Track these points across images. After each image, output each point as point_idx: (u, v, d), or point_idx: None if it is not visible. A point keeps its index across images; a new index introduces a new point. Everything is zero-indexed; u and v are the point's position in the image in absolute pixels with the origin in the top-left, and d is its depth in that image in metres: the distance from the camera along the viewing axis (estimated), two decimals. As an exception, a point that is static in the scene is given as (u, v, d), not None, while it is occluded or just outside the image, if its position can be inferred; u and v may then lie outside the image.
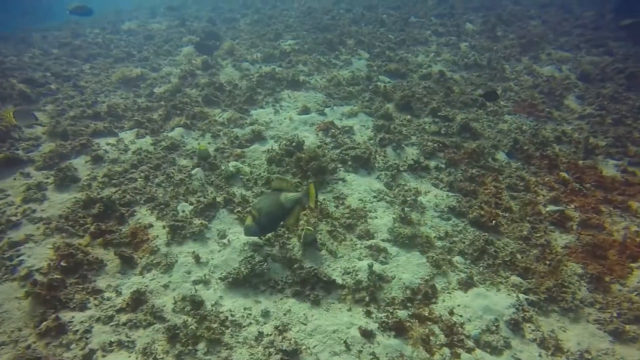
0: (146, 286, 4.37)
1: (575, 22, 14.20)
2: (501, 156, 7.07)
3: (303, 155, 6.16)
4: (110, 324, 3.96)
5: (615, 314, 4.38)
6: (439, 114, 8.02)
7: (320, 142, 7.00)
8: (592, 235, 5.48)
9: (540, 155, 7.07)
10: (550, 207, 5.94)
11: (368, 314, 4.18)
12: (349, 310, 4.23)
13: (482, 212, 5.61)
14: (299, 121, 7.60)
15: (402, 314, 4.19)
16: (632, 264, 5.08)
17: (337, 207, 5.64)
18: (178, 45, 11.56)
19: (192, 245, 4.89)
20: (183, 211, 5.35)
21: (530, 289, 4.58)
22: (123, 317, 4.02)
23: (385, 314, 4.17)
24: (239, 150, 6.68)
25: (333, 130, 7.23)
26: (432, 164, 6.71)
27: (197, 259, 4.67)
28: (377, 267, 4.64)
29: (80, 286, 4.33)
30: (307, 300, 4.30)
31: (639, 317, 4.35)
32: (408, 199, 5.81)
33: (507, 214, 5.77)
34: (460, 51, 11.11)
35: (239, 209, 5.42)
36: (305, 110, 7.91)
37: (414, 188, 6.09)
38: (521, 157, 7.07)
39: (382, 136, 7.09)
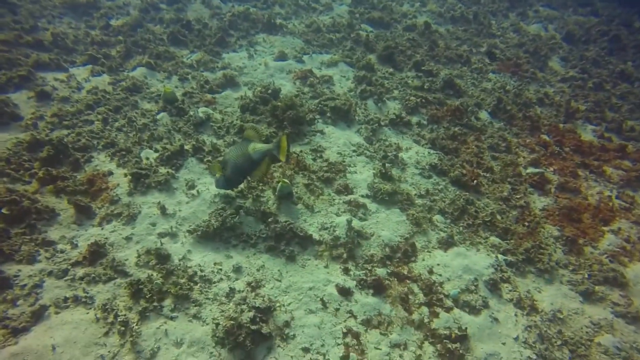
0: (106, 238, 4.02)
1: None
2: (484, 115, 6.94)
3: (279, 103, 5.76)
4: (65, 278, 3.63)
5: (586, 275, 4.48)
6: (423, 68, 7.71)
7: (297, 91, 6.58)
8: (569, 199, 5.54)
9: (522, 117, 6.99)
10: (531, 169, 5.93)
11: (346, 271, 4.05)
12: (326, 267, 4.09)
13: (464, 172, 5.52)
14: (275, 68, 7.09)
15: (380, 271, 4.09)
16: (603, 227, 5.19)
17: (314, 160, 5.36)
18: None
19: (158, 196, 4.52)
20: (147, 158, 4.92)
21: (509, 249, 4.59)
22: (79, 271, 3.69)
23: (364, 272, 4.06)
24: (209, 96, 6.16)
25: (311, 79, 6.81)
26: (414, 119, 6.49)
27: (162, 210, 4.33)
28: (355, 223, 4.48)
29: (28, 237, 3.92)
30: (281, 256, 4.11)
31: (607, 279, 4.47)
32: (389, 154, 5.61)
33: (488, 174, 5.71)
34: (447, 2, 10.64)
35: (209, 158, 5.03)
36: (282, 57, 7.38)
37: (395, 144, 5.89)
38: (504, 117, 6.97)
39: (363, 88, 6.74)
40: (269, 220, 4.36)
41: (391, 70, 7.58)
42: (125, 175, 4.67)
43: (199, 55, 7.08)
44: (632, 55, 10.21)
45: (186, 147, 5.08)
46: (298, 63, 7.32)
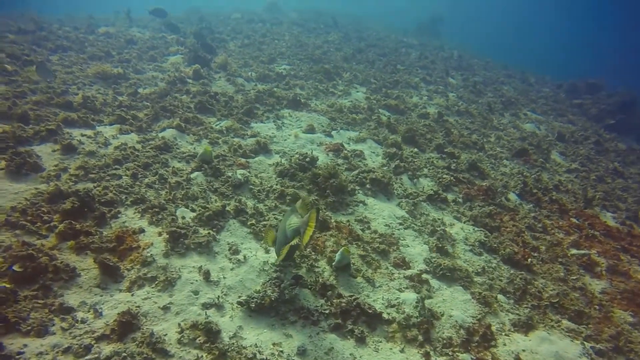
0: (138, 307, 3.18)
1: (538, 94, 15.28)
2: (513, 197, 6.76)
3: (320, 171, 5.38)
4: (87, 357, 2.72)
5: (681, 369, 3.87)
6: (445, 150, 7.69)
7: (331, 161, 6.27)
8: (624, 282, 5.12)
9: (549, 200, 6.86)
10: (575, 251, 5.57)
11: (426, 356, 3.30)
12: (402, 352, 3.34)
13: (516, 249, 5.09)
14: (305, 139, 6.86)
15: (464, 357, 3.37)
16: (672, 315, 4.71)
17: (363, 231, 4.83)
18: (164, 53, 10.57)
19: (198, 259, 3.78)
20: (183, 217, 4.25)
21: (591, 336, 3.98)
22: (106, 348, 2.80)
23: (445, 358, 3.33)
24: (243, 160, 5.73)
25: (345, 152, 6.57)
26: (450, 197, 6.20)
27: (206, 276, 3.57)
28: (420, 298, 3.84)
29: (40, 301, 3.05)
30: (350, 337, 3.35)
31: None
32: (438, 229, 5.17)
33: (536, 254, 5.30)
34: (448, 99, 11.24)
35: (253, 221, 4.42)
36: (311, 130, 7.22)
37: (439, 219, 5.49)
38: (532, 199, 6.81)
39: (397, 164, 6.53)
40: (329, 293, 3.66)
41: (416, 150, 7.51)
42: (160, 233, 3.96)
43: (228, 123, 6.81)
44: (614, 157, 10.81)
45: (227, 208, 4.47)
46: (327, 137, 7.15)
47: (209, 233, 4.05)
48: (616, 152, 11.24)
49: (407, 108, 9.69)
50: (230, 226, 4.31)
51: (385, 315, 3.61)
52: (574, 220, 6.49)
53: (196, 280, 3.53)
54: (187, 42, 11.67)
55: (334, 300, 3.59)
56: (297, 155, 5.87)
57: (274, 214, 4.68)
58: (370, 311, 3.55)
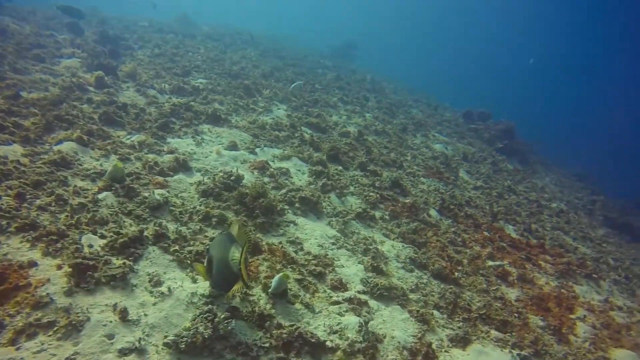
0: (30, 364, 2.55)
1: (440, 119, 16.85)
2: (434, 213, 7.18)
3: (247, 191, 5.09)
4: None
5: (587, 366, 4.35)
6: (368, 168, 7.94)
7: (257, 180, 6.00)
8: (530, 289, 5.69)
9: (464, 215, 7.44)
10: (491, 262, 6.07)
11: (374, 384, 3.19)
12: (350, 381, 3.18)
13: (444, 264, 5.34)
14: (228, 156, 6.50)
15: (410, 381, 3.34)
16: (571, 315, 5.34)
17: (296, 252, 4.64)
18: (55, 55, 9.27)
19: (111, 295, 3.21)
20: (90, 246, 3.61)
21: (516, 344, 4.29)
22: None
23: (393, 383, 3.26)
24: (160, 178, 5.17)
25: (271, 170, 6.36)
26: (378, 214, 6.35)
27: (122, 314, 3.03)
28: (363, 322, 3.76)
29: None
30: (295, 371, 3.09)
31: (601, 368, 4.41)
32: (370, 247, 5.21)
33: (460, 267, 5.63)
34: (366, 119, 11.76)
35: (176, 247, 3.94)
36: (234, 147, 6.88)
37: (370, 237, 5.55)
38: (450, 215, 7.31)
39: (324, 182, 6.51)
40: (267, 324, 3.38)
41: (340, 168, 7.61)
42: (60, 266, 3.29)
43: (141, 137, 6.14)
44: (506, 175, 12.32)
45: (146, 232, 3.93)
46: (251, 154, 6.87)
47: (124, 263, 3.48)
48: (507, 171, 12.81)
49: (328, 126, 9.86)
50: (150, 254, 3.78)
51: (329, 344, 3.43)
52: (486, 233, 7.11)
53: (110, 321, 2.97)
54: (87, 46, 10.47)
55: (274, 332, 3.31)
56: (221, 174, 5.49)
57: (199, 238, 4.24)
58: (313, 340, 3.34)
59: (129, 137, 6.21)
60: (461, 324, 4.44)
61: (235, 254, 3.01)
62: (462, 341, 4.06)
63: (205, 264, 3.30)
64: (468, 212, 7.62)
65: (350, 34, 39.58)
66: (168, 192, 4.93)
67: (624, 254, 9.49)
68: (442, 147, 12.07)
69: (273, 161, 6.94)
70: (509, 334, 4.44)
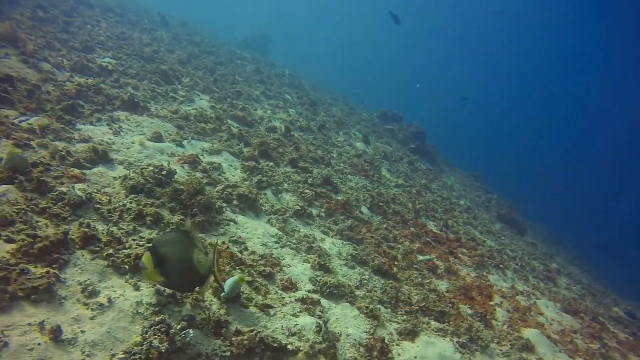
0: None
1: (359, 118, 17.62)
2: (365, 210, 7.48)
3: (182, 187, 4.74)
4: None
5: (509, 347, 4.95)
6: (299, 165, 7.96)
7: (189, 175, 5.61)
8: (456, 280, 6.27)
9: (392, 212, 7.88)
10: (420, 257, 6.53)
11: (339, 383, 3.23)
12: (315, 383, 3.16)
13: (383, 260, 5.60)
14: (154, 148, 5.94)
15: (370, 376, 3.44)
16: (491, 302, 6.02)
17: (241, 252, 4.45)
18: None
19: (35, 312, 2.71)
20: (-2, 252, 3.00)
21: (454, 332, 4.69)
22: None
23: (355, 381, 3.33)
24: (76, 171, 4.51)
25: (203, 165, 5.99)
26: (314, 211, 6.40)
27: (54, 334, 2.58)
28: (321, 323, 3.77)
29: None
30: (260, 379, 2.97)
31: (522, 346, 5.06)
32: (313, 245, 5.23)
33: (396, 262, 5.96)
34: (290, 115, 11.74)
35: (110, 250, 3.48)
36: (158, 138, 6.32)
37: (311, 235, 5.57)
38: (379, 212, 7.69)
39: (259, 178, 6.35)
40: (224, 331, 3.19)
41: (272, 164, 7.49)
42: (-40, 281, 2.68)
43: (43, 121, 5.28)
44: (421, 174, 13.39)
45: (71, 235, 3.40)
46: (178, 147, 6.37)
47: (47, 272, 2.96)
48: (422, 170, 13.93)
49: (254, 120, 9.63)
50: (79, 260, 3.27)
51: (290, 347, 3.36)
52: (412, 229, 7.64)
53: (38, 344, 2.51)
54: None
55: (234, 339, 3.14)
56: (150, 168, 5.00)
57: (134, 240, 3.81)
58: (275, 345, 3.24)
59: (23, 119, 5.29)
60: (405, 317, 4.71)
61: (201, 256, 2.78)
62: (410, 334, 4.31)
63: (152, 263, 2.96)
64: (395, 209, 8.10)
65: (262, 26, 39.10)
66: (89, 186, 4.33)
67: (516, 245, 11.01)
68: (364, 145, 12.63)
69: (202, 155, 6.54)
70: (446, 324, 4.84)
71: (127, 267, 3.42)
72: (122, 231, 3.85)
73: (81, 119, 5.99)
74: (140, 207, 4.23)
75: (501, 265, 8.02)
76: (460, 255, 7.53)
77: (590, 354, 5.94)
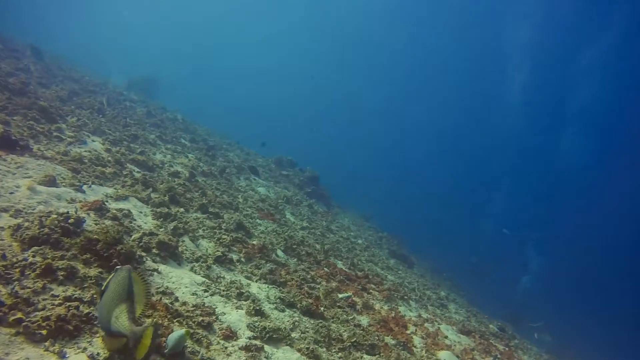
0: None
1: (255, 163, 17.77)
2: (280, 253, 7.48)
3: (97, 236, 4.23)
4: None
5: (430, 370, 5.35)
6: (210, 210, 7.69)
7: (96, 223, 5.00)
8: (374, 314, 6.61)
9: (306, 254, 8.02)
10: (340, 295, 6.74)
11: None
12: None
13: (311, 301, 5.65)
14: (48, 194, 5.16)
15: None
16: (407, 331, 6.46)
17: (172, 303, 4.08)
18: None
19: None
20: None
21: (385, 362, 4.90)
22: None
23: None
24: (-48, 221, 3.68)
25: (113, 212, 5.40)
26: (235, 257, 6.21)
27: None
28: (270, 369, 3.65)
29: None
30: None
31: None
32: (243, 292, 5.04)
33: (318, 301, 6.05)
34: (190, 160, 11.29)
35: (19, 314, 2.89)
36: (52, 182, 5.51)
37: (237, 280, 5.37)
38: (293, 254, 7.76)
39: (175, 225, 5.97)
40: (173, 392, 2.88)
41: (182, 210, 7.09)
42: None
43: None
44: (320, 217, 13.96)
45: (-33, 298, 2.74)
46: (77, 192, 5.63)
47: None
48: (320, 213, 14.50)
49: (155, 165, 9.05)
50: (-19, 329, 2.64)
51: (245, 398, 3.15)
52: (326, 269, 7.86)
53: None
54: None
55: (189, 399, 2.83)
56: (54, 215, 4.34)
57: (45, 299, 3.22)
58: (233, 398, 3.02)
59: None
60: (340, 353, 4.78)
61: (122, 318, 2.62)
62: (350, 370, 4.38)
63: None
64: (307, 251, 8.27)
65: (146, 68, 37.41)
66: (-28, 240, 3.56)
67: (412, 278, 12.05)
68: (265, 190, 12.74)
69: (107, 201, 5.89)
70: (377, 355, 5.04)
71: (44, 332, 2.87)
72: (29, 290, 3.24)
73: (-53, 160, 4.94)
74: (48, 260, 3.62)
75: (405, 297, 8.70)
76: (371, 290, 7.96)
77: (488, 367, 6.74)
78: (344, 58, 78.97)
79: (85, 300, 3.50)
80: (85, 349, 2.95)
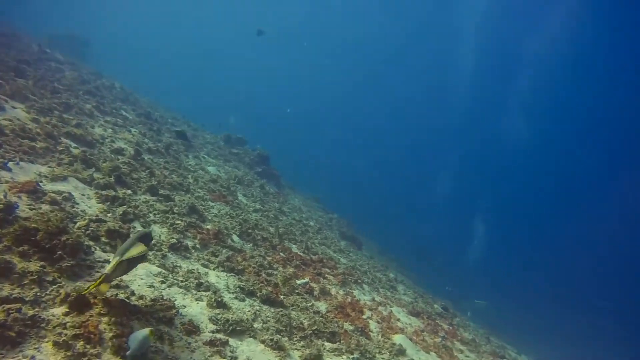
0: None
1: (204, 140, 17.04)
2: (236, 238, 7.30)
3: (37, 225, 3.83)
4: None
5: (389, 354, 5.58)
6: (160, 192, 7.27)
7: (32, 209, 4.51)
8: (331, 300, 6.72)
9: (261, 238, 7.90)
10: (298, 281, 6.75)
11: None
12: None
13: (270, 289, 5.59)
14: (-32, 173, 4.57)
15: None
16: (363, 316, 6.66)
17: (128, 298, 3.83)
18: None
19: None
20: None
21: (347, 349, 5.02)
22: None
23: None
24: None
25: (51, 195, 4.89)
26: (190, 243, 5.95)
27: None
28: (237, 364, 3.58)
29: None
30: None
31: (393, 351, 5.76)
32: (202, 282, 4.86)
33: (277, 289, 6.01)
34: (134, 135, 10.53)
35: (-47, 321, 2.54)
36: (-27, 160, 4.88)
37: (195, 269, 5.17)
38: (249, 239, 7.61)
39: (125, 210, 5.57)
40: (139, 397, 2.73)
41: (130, 192, 6.63)
42: None
43: None
44: (272, 198, 13.83)
45: None
46: (3, 170, 5.03)
47: None
48: (272, 194, 14.32)
49: (94, 140, 8.33)
50: None
51: (215, 398, 3.07)
52: (282, 254, 7.82)
53: None
54: None
55: (156, 404, 2.69)
56: (-19, 200, 3.84)
57: (-17, 301, 2.86)
58: (203, 399, 2.92)
59: None
60: (302, 342, 4.80)
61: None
62: (315, 359, 4.43)
63: None
64: (263, 236, 8.15)
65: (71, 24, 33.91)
66: None
67: (362, 261, 12.40)
68: (215, 169, 12.30)
69: (42, 182, 5.33)
70: (338, 342, 5.14)
71: (-16, 339, 2.56)
72: (-40, 290, 2.86)
73: None
74: (-20, 255, 3.21)
75: (359, 281, 8.94)
76: (326, 275, 8.07)
77: (437, 346, 7.17)
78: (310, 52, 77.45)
79: (28, 299, 3.17)
80: (33, 357, 2.67)
